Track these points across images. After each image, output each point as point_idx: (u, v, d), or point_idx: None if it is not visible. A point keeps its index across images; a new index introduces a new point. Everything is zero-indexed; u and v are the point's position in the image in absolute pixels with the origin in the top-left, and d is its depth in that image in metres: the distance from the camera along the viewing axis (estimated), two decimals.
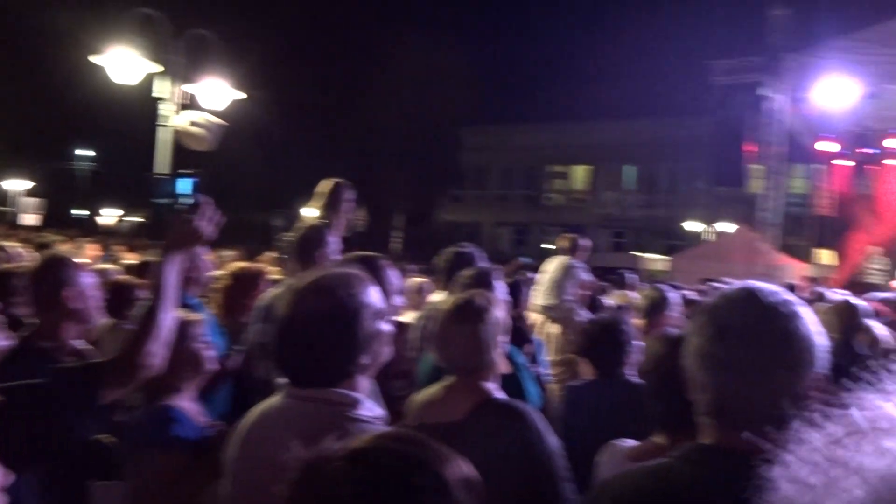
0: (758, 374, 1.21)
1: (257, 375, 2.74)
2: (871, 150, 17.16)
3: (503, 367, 2.25)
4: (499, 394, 2.20)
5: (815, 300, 6.05)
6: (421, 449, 0.94)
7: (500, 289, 3.18)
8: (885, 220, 17.71)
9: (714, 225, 27.96)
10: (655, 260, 23.12)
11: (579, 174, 36.83)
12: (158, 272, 2.01)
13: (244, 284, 3.81)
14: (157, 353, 1.95)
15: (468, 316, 2.17)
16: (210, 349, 2.42)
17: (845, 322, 4.50)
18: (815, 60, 12.89)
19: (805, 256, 20.30)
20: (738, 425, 1.21)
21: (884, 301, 6.45)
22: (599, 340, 3.12)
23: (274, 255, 7.44)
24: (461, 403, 2.11)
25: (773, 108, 13.89)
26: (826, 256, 18.95)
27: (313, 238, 3.46)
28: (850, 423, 0.53)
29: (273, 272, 4.43)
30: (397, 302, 2.81)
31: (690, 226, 30.06)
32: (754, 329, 1.23)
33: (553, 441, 2.11)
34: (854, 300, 4.96)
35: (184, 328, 2.24)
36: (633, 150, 32.57)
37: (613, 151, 32.88)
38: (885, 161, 17.52)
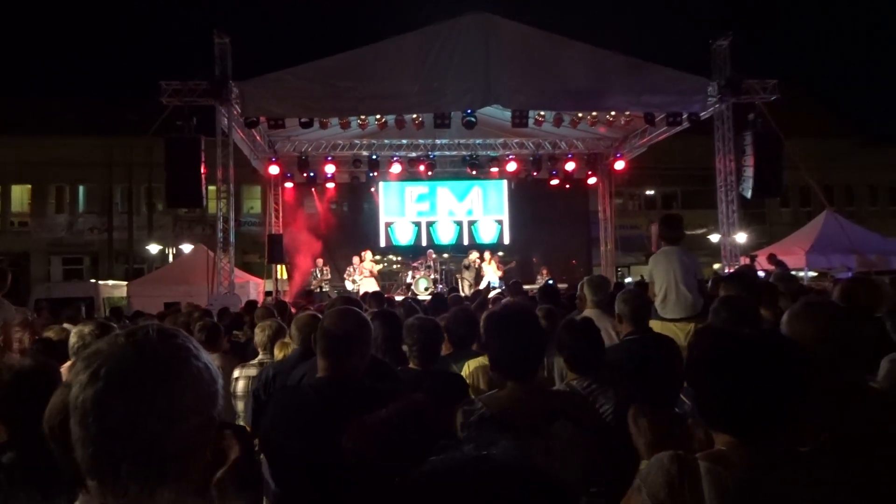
0: (129, 423, 1.04)
1: None
2: (311, 174, 19.29)
3: None
4: None
5: None
6: None
7: None
8: (324, 235, 20.19)
9: (179, 247, 27.69)
10: (118, 286, 21.67)
11: (18, 195, 32.23)
12: None
13: None
14: None
15: None
16: None
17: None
18: (259, 89, 13.70)
19: (261, 272, 21.68)
20: (117, 488, 1.05)
21: None
22: None
23: None
24: None
25: (225, 132, 14.30)
26: (281, 271, 20.50)
27: None
28: None
29: None
30: None
31: (153, 248, 29.16)
32: (129, 373, 1.07)
33: None
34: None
35: None
36: (82, 170, 29.92)
37: (59, 170, 29.68)
38: (326, 184, 19.97)
